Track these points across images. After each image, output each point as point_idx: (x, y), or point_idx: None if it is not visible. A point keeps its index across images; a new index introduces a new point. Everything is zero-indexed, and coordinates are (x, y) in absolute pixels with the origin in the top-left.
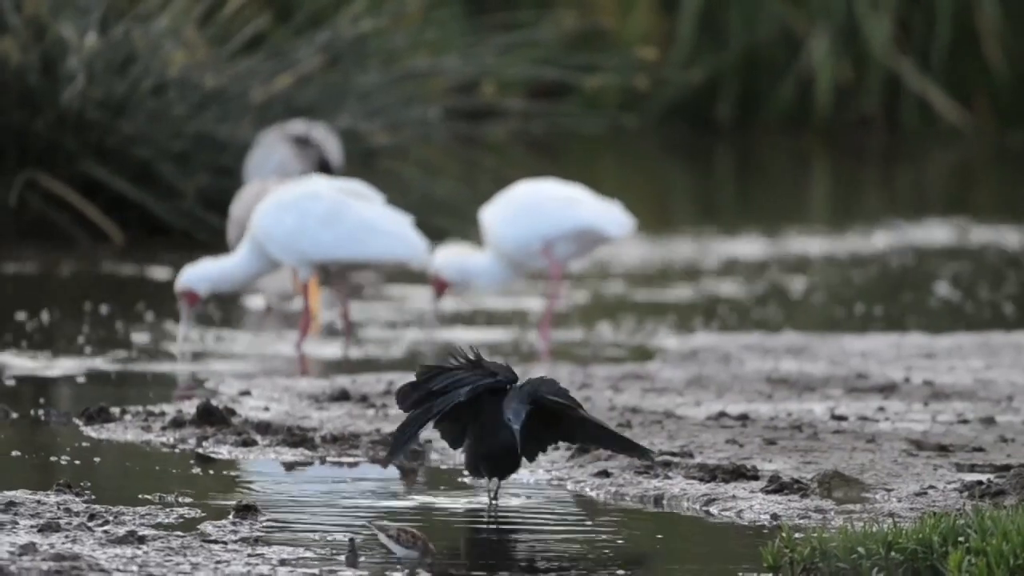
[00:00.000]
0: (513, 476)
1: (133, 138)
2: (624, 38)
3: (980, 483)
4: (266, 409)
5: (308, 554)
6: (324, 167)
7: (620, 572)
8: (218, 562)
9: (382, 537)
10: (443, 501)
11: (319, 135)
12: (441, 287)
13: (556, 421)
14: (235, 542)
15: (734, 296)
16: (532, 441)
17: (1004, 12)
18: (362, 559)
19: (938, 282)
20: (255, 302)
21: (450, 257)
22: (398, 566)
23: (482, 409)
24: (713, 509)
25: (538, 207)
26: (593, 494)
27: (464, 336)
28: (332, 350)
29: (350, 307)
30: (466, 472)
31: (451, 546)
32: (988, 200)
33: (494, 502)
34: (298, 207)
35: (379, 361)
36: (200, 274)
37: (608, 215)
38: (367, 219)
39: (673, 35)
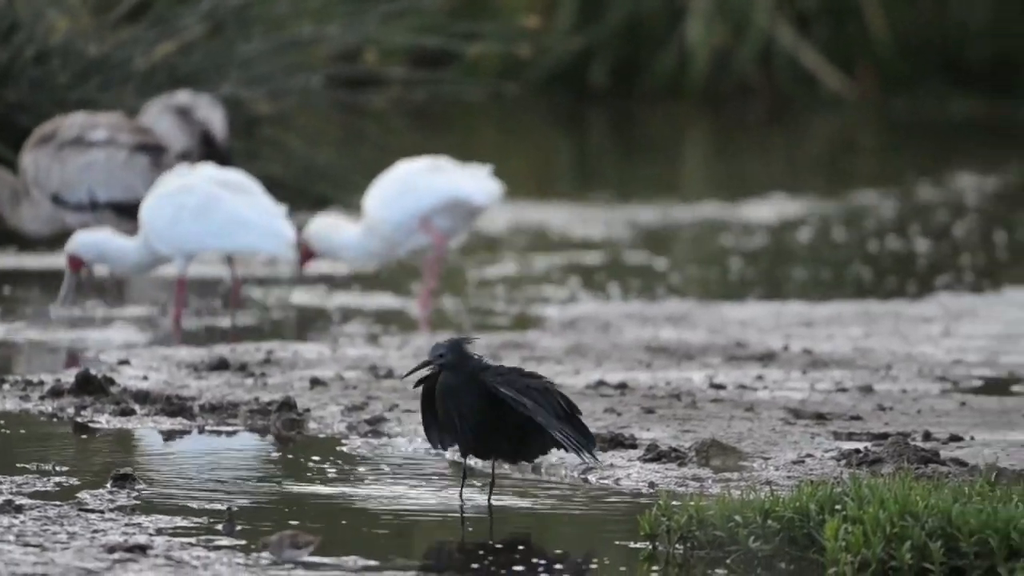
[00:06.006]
0: (393, 446)
1: (16, 106)
2: (506, 5)
3: (857, 451)
4: (145, 378)
5: (185, 523)
6: (208, 140)
7: (494, 539)
8: (95, 531)
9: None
10: (319, 471)
11: (205, 107)
12: (307, 255)
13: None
14: (112, 511)
15: (615, 264)
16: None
17: None
18: (239, 528)
19: (818, 250)
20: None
21: (321, 228)
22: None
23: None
24: (591, 477)
25: (408, 184)
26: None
27: (342, 301)
28: (213, 320)
29: (239, 280)
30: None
31: (316, 513)
32: (865, 168)
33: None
34: (174, 200)
35: (259, 330)
36: (91, 243)
37: (476, 184)
38: (237, 213)
39: (555, 3)
